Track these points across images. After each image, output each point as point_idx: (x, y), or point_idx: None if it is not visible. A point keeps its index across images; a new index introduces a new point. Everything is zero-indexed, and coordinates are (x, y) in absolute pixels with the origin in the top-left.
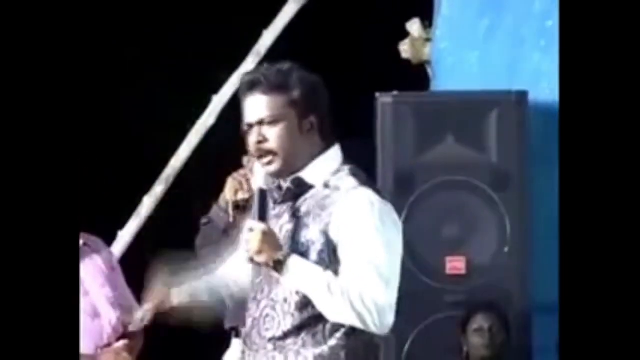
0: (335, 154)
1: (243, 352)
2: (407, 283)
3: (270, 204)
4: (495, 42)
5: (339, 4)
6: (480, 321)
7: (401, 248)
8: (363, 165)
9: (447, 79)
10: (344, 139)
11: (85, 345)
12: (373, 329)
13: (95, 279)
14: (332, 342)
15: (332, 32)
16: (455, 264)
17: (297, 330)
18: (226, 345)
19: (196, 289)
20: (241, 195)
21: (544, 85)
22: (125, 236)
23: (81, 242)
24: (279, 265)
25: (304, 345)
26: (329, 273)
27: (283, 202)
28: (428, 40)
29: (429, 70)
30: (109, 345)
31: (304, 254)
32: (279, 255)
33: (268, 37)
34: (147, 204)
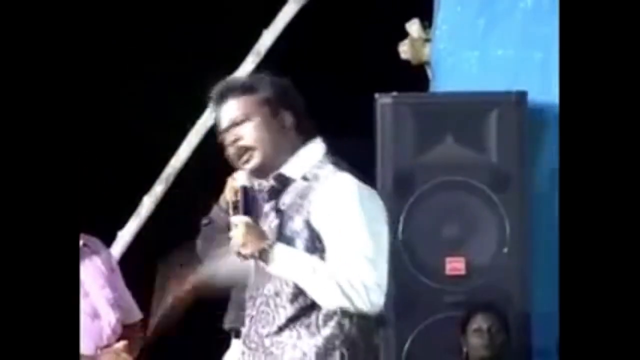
0: (315, 147)
1: (243, 353)
2: (407, 283)
3: (262, 204)
4: (494, 43)
5: (339, 4)
6: (479, 321)
7: (386, 229)
8: (362, 165)
9: (446, 79)
10: (343, 139)
11: (85, 346)
12: (363, 309)
13: (95, 280)
14: (326, 331)
15: (332, 33)
16: (455, 265)
17: (290, 322)
18: (226, 345)
19: (212, 270)
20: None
21: (543, 85)
22: (125, 236)
23: (81, 242)
24: (264, 255)
25: (299, 338)
26: (315, 258)
27: (269, 200)
28: (427, 40)
29: (429, 71)
30: (108, 346)
31: (291, 245)
32: (264, 245)
33: (268, 37)
34: (147, 204)
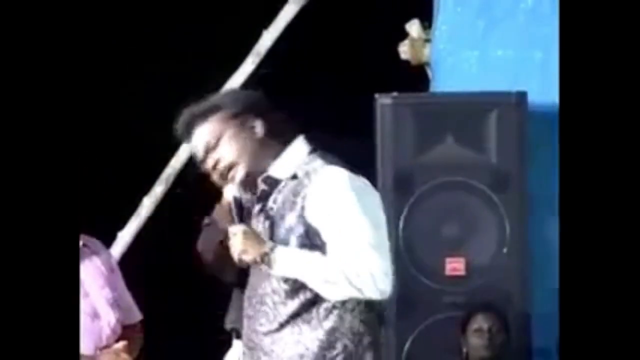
0: (298, 146)
1: (244, 354)
2: (407, 284)
3: (253, 209)
4: (494, 43)
5: (338, 5)
6: (479, 322)
7: (383, 216)
8: (362, 166)
9: (446, 79)
10: (343, 139)
11: (85, 346)
12: (371, 295)
13: (95, 280)
14: (328, 324)
15: (331, 33)
16: (455, 265)
17: (291, 319)
18: (227, 345)
19: None
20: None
21: (543, 85)
22: (125, 237)
23: (80, 243)
24: (266, 259)
25: (300, 333)
26: (317, 254)
27: (258, 202)
28: (427, 41)
29: (429, 71)
30: (108, 346)
31: (286, 243)
32: (265, 249)
33: (268, 37)
34: (147, 205)
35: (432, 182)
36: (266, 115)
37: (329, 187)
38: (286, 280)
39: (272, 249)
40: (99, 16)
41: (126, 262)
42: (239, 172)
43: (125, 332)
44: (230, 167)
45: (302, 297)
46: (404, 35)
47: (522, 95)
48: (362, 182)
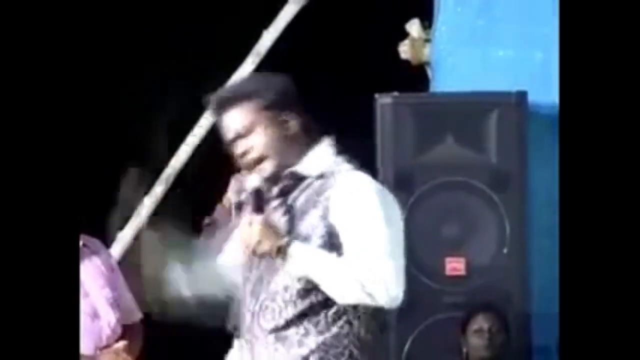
0: (326, 146)
1: (241, 348)
2: (407, 284)
3: (271, 202)
4: (494, 43)
5: (338, 5)
6: (479, 322)
7: (402, 225)
8: (362, 166)
9: (446, 79)
10: (342, 139)
11: (85, 346)
12: (382, 304)
13: (95, 280)
14: (335, 329)
15: (331, 33)
16: (455, 265)
17: (299, 318)
18: (228, 345)
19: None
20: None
21: (543, 85)
22: (124, 237)
23: (80, 243)
24: (281, 253)
25: (306, 334)
26: (333, 255)
27: (278, 196)
28: (427, 40)
29: (429, 71)
30: (108, 346)
31: (306, 241)
32: (281, 242)
33: (268, 38)
34: (147, 205)
35: (432, 182)
36: (299, 110)
37: (355, 191)
38: (299, 280)
39: (288, 244)
40: (99, 16)
41: (126, 262)
42: (268, 166)
43: (125, 331)
44: (259, 160)
45: (313, 299)
46: (404, 35)
47: (522, 95)
48: (385, 190)
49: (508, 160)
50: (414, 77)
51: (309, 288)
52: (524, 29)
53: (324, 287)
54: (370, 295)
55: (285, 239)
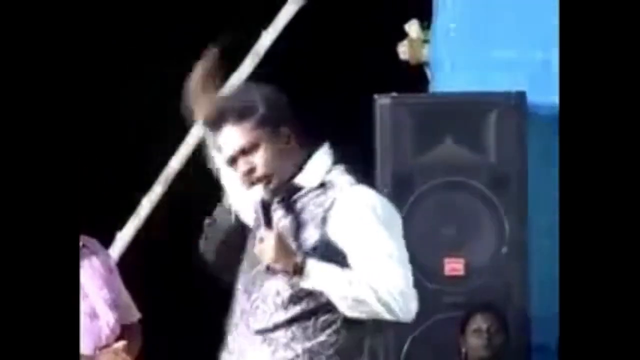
0: (324, 154)
1: (227, 345)
2: None
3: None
4: (494, 43)
5: (338, 5)
6: (478, 322)
7: (402, 237)
8: (362, 166)
9: (445, 80)
10: (342, 139)
11: (85, 346)
12: (400, 316)
13: (94, 281)
14: (322, 337)
15: (330, 33)
16: (454, 265)
17: (288, 323)
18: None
19: None
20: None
21: (543, 85)
22: (124, 237)
23: (79, 244)
24: (298, 270)
25: (293, 339)
26: (347, 271)
27: (279, 208)
28: (426, 41)
29: (428, 72)
30: (107, 346)
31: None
32: (297, 260)
33: (267, 38)
34: (146, 205)
35: (432, 183)
36: (293, 121)
37: (359, 206)
38: (292, 286)
39: (303, 261)
40: (99, 16)
41: (125, 262)
42: (272, 184)
43: (124, 332)
44: (263, 177)
45: (304, 305)
46: (403, 35)
47: (522, 95)
48: (386, 201)
49: (507, 160)
50: (413, 77)
51: (301, 295)
52: (524, 29)
53: (336, 302)
54: (387, 307)
55: (301, 257)
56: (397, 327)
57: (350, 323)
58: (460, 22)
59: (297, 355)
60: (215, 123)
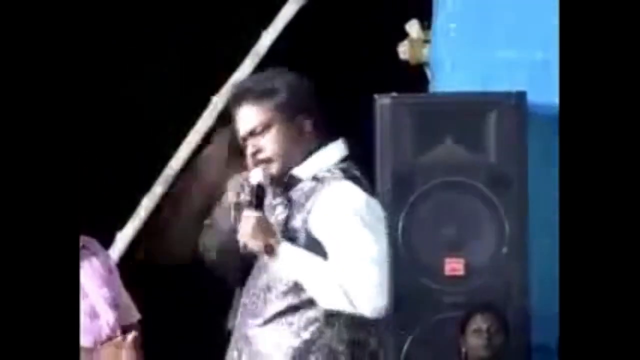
0: (333, 151)
1: (230, 341)
2: (407, 284)
3: (269, 198)
4: (494, 43)
5: (338, 5)
6: (478, 322)
7: (385, 236)
8: (362, 166)
9: (445, 80)
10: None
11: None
12: (364, 313)
13: (94, 280)
14: (306, 335)
15: (331, 33)
16: (454, 265)
17: (274, 318)
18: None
19: None
20: (243, 197)
21: (543, 85)
22: (124, 238)
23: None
24: (270, 250)
25: (281, 336)
26: (320, 259)
27: (277, 194)
28: (427, 41)
29: (428, 72)
30: (110, 338)
31: (293, 241)
32: (271, 241)
33: (267, 38)
34: (146, 205)
35: (432, 183)
36: (312, 108)
37: (338, 201)
38: (282, 281)
39: (277, 242)
40: (99, 16)
41: (126, 263)
42: (273, 169)
43: (124, 332)
44: (267, 160)
45: (290, 300)
46: (404, 35)
47: (522, 95)
48: (370, 199)
49: (507, 160)
50: (413, 77)
51: (287, 290)
52: (524, 29)
53: (309, 290)
54: (352, 302)
55: (276, 239)
56: (397, 327)
57: (335, 321)
58: (460, 22)
59: (286, 354)
60: (236, 100)
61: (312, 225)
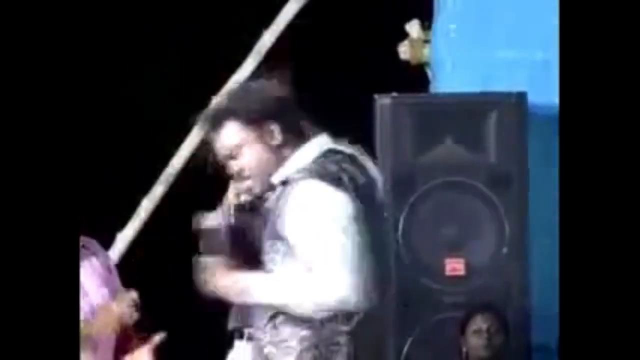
0: (308, 150)
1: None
2: (407, 284)
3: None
4: (494, 43)
5: (338, 5)
6: (479, 322)
7: (355, 230)
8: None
9: (446, 80)
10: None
11: None
12: (332, 303)
13: (93, 279)
14: (303, 332)
15: (331, 33)
16: (455, 265)
17: (274, 317)
18: (228, 346)
19: None
20: (243, 198)
21: (543, 85)
22: (124, 238)
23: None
24: (241, 294)
25: (271, 342)
26: (287, 272)
27: (254, 205)
28: (427, 41)
29: (428, 72)
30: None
31: (264, 250)
32: (239, 285)
33: (268, 37)
34: (147, 206)
35: (432, 183)
36: (282, 116)
37: (298, 202)
38: None
39: (246, 283)
40: (99, 16)
41: (126, 263)
42: (254, 186)
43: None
44: (249, 178)
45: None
46: (404, 35)
47: (522, 96)
48: (336, 194)
49: (508, 160)
50: (414, 77)
51: None
52: (524, 29)
53: (289, 311)
54: (327, 304)
55: (242, 280)
56: (398, 327)
57: (329, 316)
58: (460, 22)
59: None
60: (210, 128)
61: (280, 228)
